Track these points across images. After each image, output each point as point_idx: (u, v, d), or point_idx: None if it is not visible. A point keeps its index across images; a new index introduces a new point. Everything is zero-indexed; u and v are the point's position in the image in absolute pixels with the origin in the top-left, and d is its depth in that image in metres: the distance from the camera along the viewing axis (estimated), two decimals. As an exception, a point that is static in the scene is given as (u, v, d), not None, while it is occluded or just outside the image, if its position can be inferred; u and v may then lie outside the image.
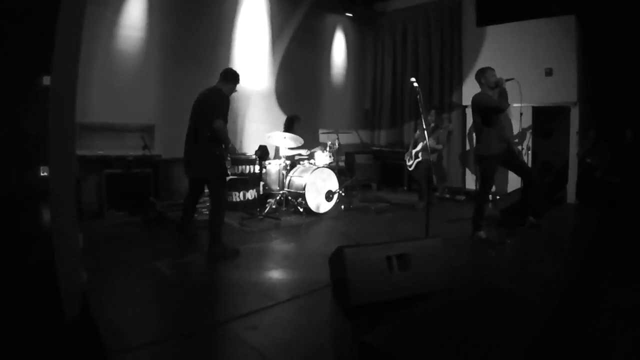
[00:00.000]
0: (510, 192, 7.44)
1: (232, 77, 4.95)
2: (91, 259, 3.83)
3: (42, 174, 2.69)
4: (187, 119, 4.96)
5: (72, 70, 2.73)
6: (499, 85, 5.20)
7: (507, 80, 5.24)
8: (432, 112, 8.16)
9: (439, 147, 8.08)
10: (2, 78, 2.65)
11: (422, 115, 4.82)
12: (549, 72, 8.06)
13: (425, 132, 5.16)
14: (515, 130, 8.35)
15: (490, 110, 5.18)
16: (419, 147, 7.83)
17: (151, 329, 3.07)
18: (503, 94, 5.17)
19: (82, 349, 2.60)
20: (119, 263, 4.42)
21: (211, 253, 4.68)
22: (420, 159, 7.84)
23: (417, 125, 8.14)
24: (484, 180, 5.49)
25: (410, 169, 8.14)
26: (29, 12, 2.68)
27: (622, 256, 4.93)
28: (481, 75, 5.34)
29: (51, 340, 2.54)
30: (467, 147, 9.43)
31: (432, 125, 7.97)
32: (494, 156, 5.28)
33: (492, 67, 5.43)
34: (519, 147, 8.28)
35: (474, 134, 7.21)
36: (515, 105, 6.65)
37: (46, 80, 2.65)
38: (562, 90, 7.94)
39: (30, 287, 2.63)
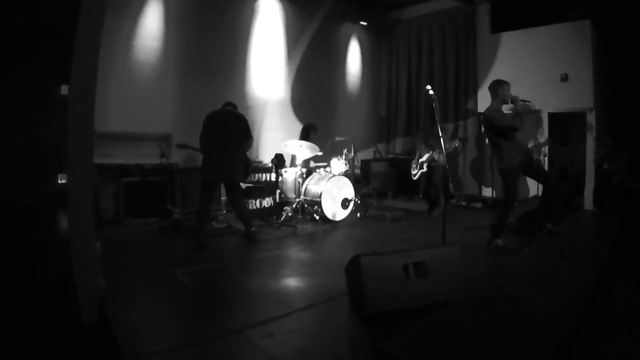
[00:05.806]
0: (527, 199, 7.34)
1: None
2: (109, 265, 3.86)
3: (60, 182, 2.72)
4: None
5: (90, 79, 2.76)
6: (513, 104, 5.16)
7: (523, 101, 5.18)
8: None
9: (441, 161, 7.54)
10: (21, 87, 2.69)
11: (437, 123, 4.77)
12: (564, 78, 7.99)
13: (442, 140, 5.07)
14: (531, 137, 8.29)
15: (504, 129, 5.15)
16: (425, 157, 7.78)
17: (168, 335, 3.08)
18: (518, 114, 5.14)
19: (100, 355, 2.61)
20: (136, 270, 4.45)
21: (251, 235, 5.72)
22: (424, 169, 7.81)
23: (423, 133, 8.12)
24: (508, 192, 5.40)
25: (415, 178, 8.13)
26: (48, 22, 2.72)
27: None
28: (497, 86, 5.27)
29: (69, 346, 2.56)
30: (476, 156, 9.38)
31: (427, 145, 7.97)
32: (515, 167, 5.23)
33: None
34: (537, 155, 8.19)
35: (489, 145, 7.14)
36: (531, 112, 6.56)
37: (64, 89, 2.68)
38: (578, 96, 7.87)
39: (49, 293, 2.65)
